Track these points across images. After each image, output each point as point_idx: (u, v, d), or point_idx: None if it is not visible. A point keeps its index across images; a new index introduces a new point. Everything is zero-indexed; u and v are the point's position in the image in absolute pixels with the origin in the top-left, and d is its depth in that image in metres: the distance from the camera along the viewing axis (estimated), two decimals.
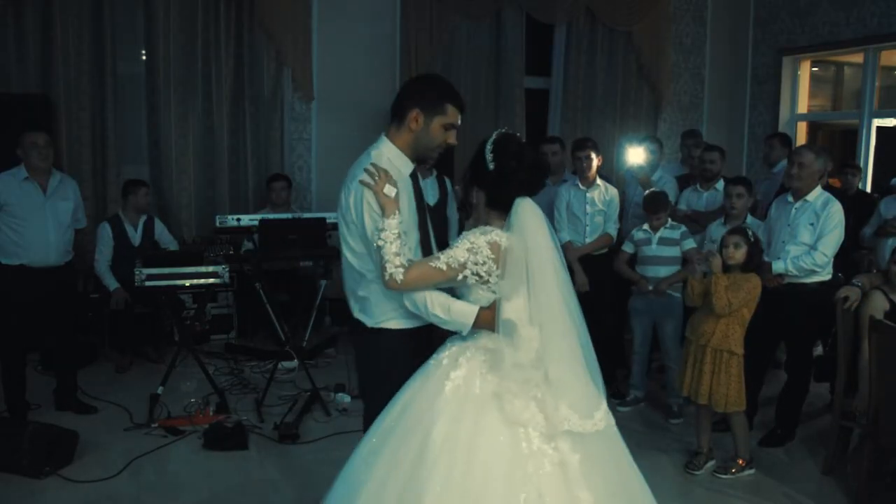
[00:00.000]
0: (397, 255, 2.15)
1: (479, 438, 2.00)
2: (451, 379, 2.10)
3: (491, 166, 2.19)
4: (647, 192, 4.63)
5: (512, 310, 2.12)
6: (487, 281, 2.14)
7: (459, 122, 2.37)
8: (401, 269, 2.14)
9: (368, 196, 2.23)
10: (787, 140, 5.58)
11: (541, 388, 2.06)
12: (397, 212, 2.20)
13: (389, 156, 2.36)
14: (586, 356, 2.17)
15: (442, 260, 2.13)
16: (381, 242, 2.16)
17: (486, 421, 2.02)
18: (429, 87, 2.38)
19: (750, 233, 3.63)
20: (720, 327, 3.53)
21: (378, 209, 2.21)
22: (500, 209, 2.20)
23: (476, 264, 2.12)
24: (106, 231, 5.24)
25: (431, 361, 2.19)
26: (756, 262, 3.61)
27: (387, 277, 2.15)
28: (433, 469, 1.96)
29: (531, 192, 2.20)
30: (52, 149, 4.21)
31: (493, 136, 2.23)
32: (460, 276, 2.14)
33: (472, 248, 2.12)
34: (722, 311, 3.49)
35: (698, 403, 3.67)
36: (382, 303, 2.32)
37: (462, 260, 2.12)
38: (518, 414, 2.02)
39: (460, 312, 2.18)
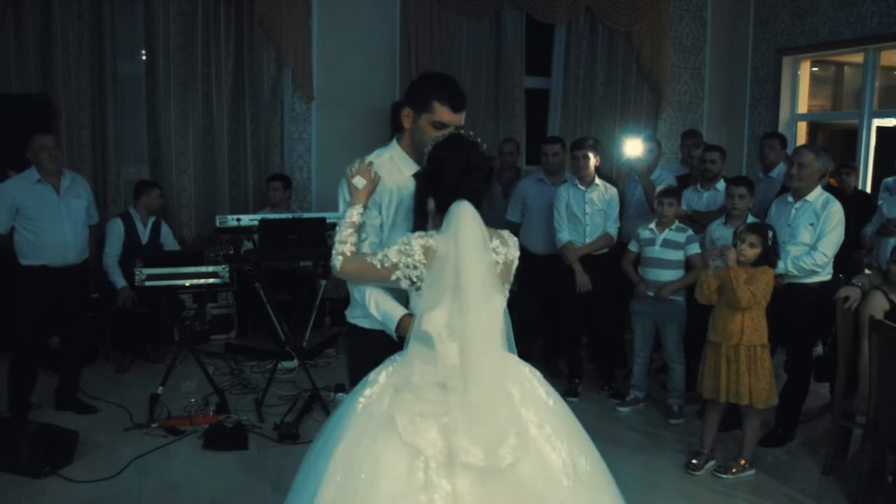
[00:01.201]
0: (343, 242, 2.13)
1: (375, 461, 1.84)
2: (364, 395, 1.99)
3: (427, 166, 2.13)
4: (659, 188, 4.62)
5: (432, 321, 1.94)
6: (420, 287, 2.02)
7: (454, 119, 2.26)
8: (340, 257, 2.12)
9: (344, 186, 2.27)
10: (786, 142, 5.58)
11: (451, 412, 1.86)
12: (361, 203, 2.19)
13: (393, 156, 2.35)
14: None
15: (377, 257, 2.07)
16: (337, 229, 2.17)
17: (384, 443, 1.86)
18: (420, 84, 2.33)
19: (770, 234, 3.61)
20: (748, 323, 3.53)
21: (348, 198, 2.23)
22: (442, 213, 2.04)
23: (407, 267, 2.02)
24: (118, 226, 5.26)
25: (369, 374, 2.07)
26: (770, 263, 3.60)
27: (331, 263, 2.15)
28: (326, 487, 1.86)
29: (470, 196, 2.01)
30: (60, 150, 4.26)
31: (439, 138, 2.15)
32: (393, 277, 2.05)
33: (404, 249, 2.03)
34: (747, 303, 3.49)
35: (714, 405, 3.68)
36: (355, 300, 2.31)
37: (394, 260, 2.03)
38: (413, 438, 1.84)
39: (386, 314, 2.14)
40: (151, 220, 5.45)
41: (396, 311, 2.13)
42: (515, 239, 2.19)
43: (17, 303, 4.13)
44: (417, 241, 2.02)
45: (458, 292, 1.92)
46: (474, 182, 2.04)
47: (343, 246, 2.12)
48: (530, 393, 2.03)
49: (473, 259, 1.93)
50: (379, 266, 2.06)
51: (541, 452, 1.92)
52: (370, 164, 2.26)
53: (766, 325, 3.58)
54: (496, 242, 2.09)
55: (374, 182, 2.23)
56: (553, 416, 2.01)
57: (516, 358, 2.12)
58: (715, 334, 3.64)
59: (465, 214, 1.98)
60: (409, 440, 1.84)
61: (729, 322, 3.57)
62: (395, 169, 2.31)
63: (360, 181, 2.22)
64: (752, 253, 3.55)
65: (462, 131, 2.17)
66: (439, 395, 1.89)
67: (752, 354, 3.55)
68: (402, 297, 2.17)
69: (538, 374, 2.14)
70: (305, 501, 1.91)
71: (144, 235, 5.39)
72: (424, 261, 2.00)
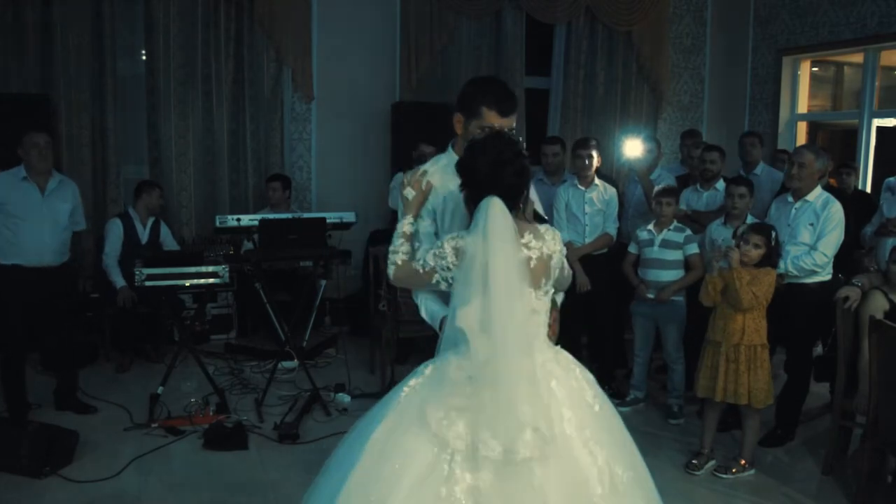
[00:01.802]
0: (395, 252, 2.21)
1: (405, 451, 1.89)
2: (409, 385, 2.04)
3: (461, 162, 2.15)
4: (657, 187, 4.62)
5: (465, 317, 1.95)
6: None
7: (504, 123, 2.26)
8: (392, 266, 2.21)
9: (399, 196, 2.34)
10: (762, 139, 5.62)
11: (478, 406, 1.89)
12: (411, 214, 2.26)
13: (448, 162, 2.35)
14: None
15: (420, 262, 2.14)
16: (392, 239, 2.25)
17: (416, 434, 1.90)
18: (469, 89, 2.34)
19: (774, 235, 3.62)
20: (749, 323, 3.54)
21: (403, 209, 2.30)
22: (473, 209, 2.07)
23: (443, 269, 2.06)
24: (117, 226, 5.26)
25: (419, 366, 2.13)
26: (768, 264, 3.60)
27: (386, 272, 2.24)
28: (355, 473, 1.91)
29: (499, 191, 2.02)
30: (51, 150, 4.22)
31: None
32: (433, 280, 2.11)
33: (438, 252, 2.07)
34: (749, 305, 3.50)
35: (713, 405, 3.68)
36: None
37: (431, 264, 2.09)
38: (443, 431, 1.88)
39: (432, 314, 2.23)
40: (151, 220, 5.45)
41: (439, 311, 2.21)
42: (556, 232, 2.17)
43: None
44: (448, 242, 2.06)
45: (487, 288, 1.92)
46: (506, 177, 2.05)
47: (395, 255, 2.21)
48: (577, 395, 2.04)
49: (501, 255, 1.94)
50: (421, 271, 2.13)
51: (573, 454, 1.92)
52: (423, 173, 2.30)
53: (767, 324, 3.59)
54: (528, 237, 2.07)
55: (423, 192, 2.27)
56: (596, 420, 2.01)
57: (569, 357, 2.14)
58: (715, 333, 3.64)
59: (493, 210, 1.98)
60: (439, 433, 1.88)
61: (730, 322, 3.57)
62: (450, 175, 2.30)
63: (409, 192, 2.27)
64: (756, 254, 3.55)
65: (505, 130, 2.21)
66: (471, 389, 1.92)
67: (753, 354, 3.55)
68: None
69: (590, 377, 2.14)
70: (334, 484, 1.95)
71: (144, 235, 5.39)
72: (455, 262, 2.03)
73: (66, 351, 4.43)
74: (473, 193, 2.07)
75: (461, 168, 2.12)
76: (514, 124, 2.31)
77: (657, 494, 2.10)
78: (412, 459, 1.87)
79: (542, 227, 2.14)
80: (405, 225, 2.23)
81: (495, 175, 2.04)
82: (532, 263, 2.05)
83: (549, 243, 2.11)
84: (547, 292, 2.11)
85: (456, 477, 1.85)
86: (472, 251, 1.97)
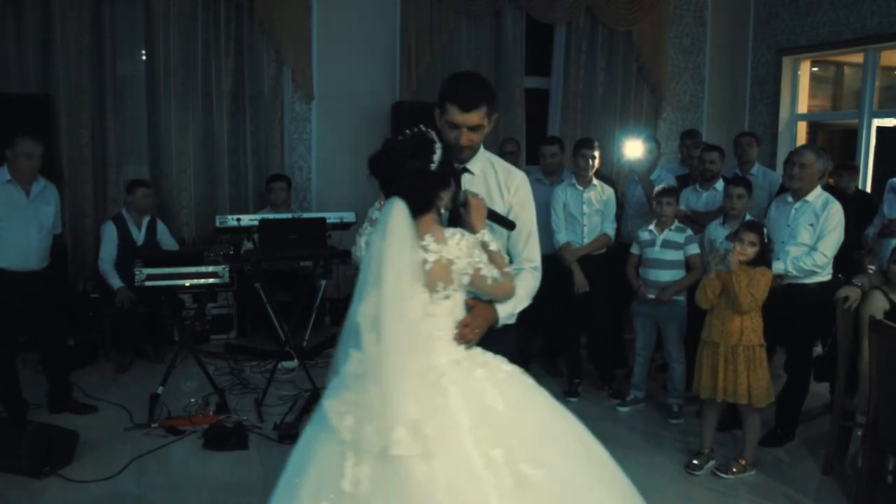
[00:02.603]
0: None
1: (314, 450, 1.95)
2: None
3: None
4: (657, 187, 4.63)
5: (362, 312, 1.97)
6: None
7: (465, 119, 2.23)
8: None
9: None
10: (759, 139, 5.61)
11: (367, 402, 1.90)
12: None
13: None
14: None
15: (355, 247, 2.24)
16: None
17: (326, 431, 1.95)
18: (444, 84, 2.33)
19: (766, 232, 3.64)
20: (746, 323, 3.54)
21: None
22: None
23: (360, 261, 2.13)
24: (111, 230, 5.24)
25: None
26: (763, 262, 3.61)
27: None
28: (281, 480, 2.01)
29: (400, 192, 2.00)
30: (41, 159, 4.15)
31: None
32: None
33: (359, 244, 2.19)
34: (749, 307, 3.51)
35: (712, 405, 3.69)
36: None
37: (358, 254, 2.19)
38: (338, 425, 1.92)
39: None
40: (146, 219, 5.42)
41: None
42: (470, 239, 2.05)
43: None
44: (363, 237, 2.15)
45: (379, 286, 1.94)
46: (403, 179, 2.02)
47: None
48: (476, 396, 1.97)
49: (393, 254, 1.95)
50: (356, 259, 2.20)
51: (464, 453, 1.88)
52: None
53: (763, 324, 3.60)
54: (429, 240, 2.02)
55: None
56: (497, 420, 1.95)
57: (481, 359, 2.07)
58: (713, 334, 3.64)
59: (393, 210, 1.98)
60: (336, 425, 1.93)
61: (728, 323, 3.57)
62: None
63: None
64: (752, 251, 3.57)
65: (425, 130, 2.11)
66: (362, 384, 1.95)
67: (751, 354, 3.56)
68: None
69: (502, 377, 2.05)
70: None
71: (140, 237, 5.36)
72: (364, 255, 2.10)
73: (56, 355, 4.38)
74: (383, 191, 2.08)
75: (368, 166, 2.09)
76: (484, 121, 2.26)
77: (601, 490, 2.01)
78: (317, 457, 1.93)
79: (450, 232, 2.05)
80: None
81: (392, 175, 2.03)
82: (427, 266, 2.00)
83: (452, 248, 2.02)
84: (448, 297, 2.04)
85: (345, 472, 1.87)
86: (371, 248, 2.01)
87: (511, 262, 2.33)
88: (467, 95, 2.24)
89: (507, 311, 2.26)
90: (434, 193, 2.07)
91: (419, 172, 2.02)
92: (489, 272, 2.10)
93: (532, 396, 2.09)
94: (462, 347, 2.08)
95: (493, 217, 2.27)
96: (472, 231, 2.13)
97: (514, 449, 1.91)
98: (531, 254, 2.42)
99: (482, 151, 2.41)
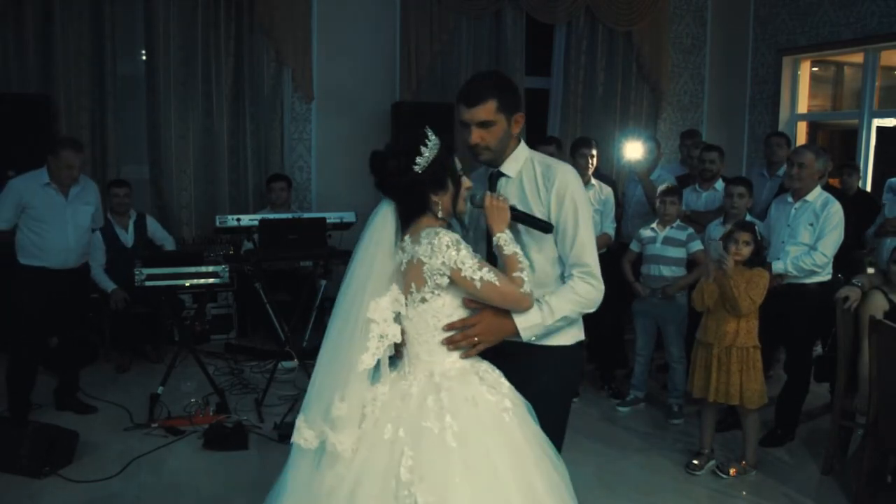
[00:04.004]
0: None
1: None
2: None
3: None
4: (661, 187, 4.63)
5: (336, 305, 2.08)
6: None
7: (470, 116, 2.15)
8: None
9: None
10: (790, 141, 5.54)
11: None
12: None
13: (482, 170, 2.36)
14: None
15: None
16: None
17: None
18: None
19: (758, 231, 3.66)
20: (742, 325, 3.55)
21: None
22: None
23: None
24: (96, 236, 5.21)
25: None
26: (758, 261, 3.62)
27: None
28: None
29: (386, 192, 2.03)
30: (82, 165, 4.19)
31: None
32: None
33: None
34: (748, 311, 3.52)
35: (710, 405, 3.69)
36: None
37: None
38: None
39: None
40: (132, 219, 5.40)
41: None
42: (444, 239, 1.94)
43: (14, 302, 4.12)
44: None
45: (347, 282, 1.99)
46: (387, 178, 2.01)
47: None
48: (411, 422, 1.90)
49: (361, 256, 1.99)
50: None
51: (382, 450, 1.87)
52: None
53: (758, 325, 3.60)
54: (407, 241, 2.00)
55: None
56: (415, 427, 1.88)
57: (465, 379, 1.97)
58: (707, 335, 3.65)
59: (378, 214, 2.04)
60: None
61: (723, 324, 3.58)
62: (478, 185, 2.28)
63: None
64: (747, 251, 3.58)
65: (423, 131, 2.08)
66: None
67: (745, 356, 3.56)
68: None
69: (470, 406, 1.91)
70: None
71: (128, 238, 5.35)
72: None
73: (71, 350, 4.44)
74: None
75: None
76: (495, 117, 2.14)
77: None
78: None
79: (425, 232, 1.97)
80: None
81: (379, 177, 2.02)
82: (402, 267, 1.99)
83: (424, 248, 1.94)
84: (425, 300, 1.97)
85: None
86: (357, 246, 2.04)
87: (564, 269, 2.19)
88: (471, 90, 2.16)
89: (534, 323, 2.07)
90: (423, 195, 2.01)
91: (400, 173, 1.98)
92: (475, 273, 1.94)
93: (497, 438, 1.89)
94: (456, 354, 2.00)
95: (522, 219, 2.13)
96: (493, 234, 2.06)
97: (425, 470, 1.82)
98: (579, 257, 2.18)
99: (521, 150, 2.26)
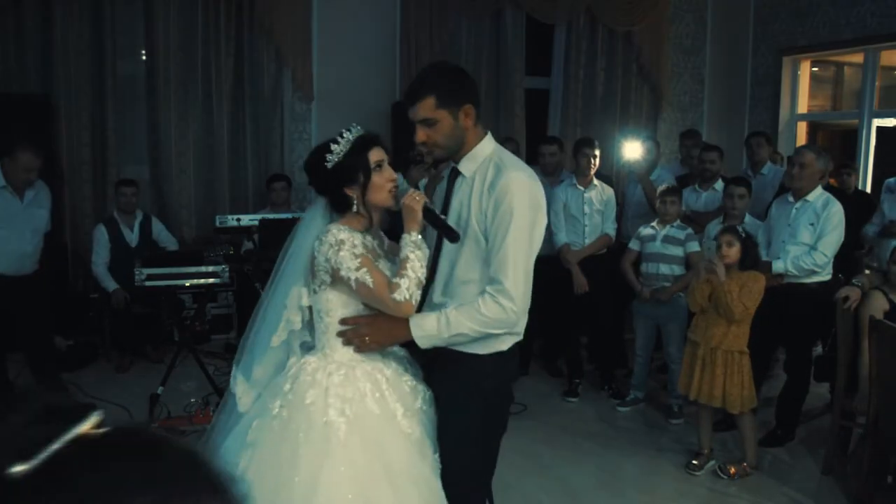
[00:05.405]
0: None
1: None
2: None
3: None
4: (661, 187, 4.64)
5: None
6: None
7: (413, 115, 2.12)
8: None
9: None
10: (771, 139, 5.57)
11: None
12: None
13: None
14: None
15: None
16: None
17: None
18: None
19: (741, 230, 3.66)
20: (732, 329, 3.54)
21: None
22: None
23: None
24: (101, 233, 5.22)
25: None
26: (752, 258, 3.61)
27: None
28: None
29: (319, 191, 2.22)
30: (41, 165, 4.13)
31: None
32: None
33: None
34: (741, 317, 3.50)
35: (705, 405, 3.68)
36: None
37: None
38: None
39: None
40: (139, 219, 5.39)
41: None
42: (338, 235, 2.01)
43: None
44: None
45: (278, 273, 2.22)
46: (317, 175, 2.15)
47: None
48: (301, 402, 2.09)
49: (292, 247, 2.19)
50: None
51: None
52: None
53: (748, 332, 3.58)
54: (321, 235, 2.09)
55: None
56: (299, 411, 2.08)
57: (341, 380, 2.05)
58: (695, 334, 3.66)
59: (309, 211, 2.26)
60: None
61: (712, 325, 3.58)
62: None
63: None
64: (733, 251, 3.56)
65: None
66: None
67: (730, 360, 3.55)
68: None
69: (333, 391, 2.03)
70: None
71: (133, 238, 5.33)
72: None
73: (44, 357, 4.36)
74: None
75: None
76: (435, 114, 2.05)
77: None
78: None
79: (329, 227, 2.06)
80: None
81: (305, 172, 2.21)
82: (312, 260, 2.12)
83: (318, 244, 2.05)
84: (316, 292, 2.10)
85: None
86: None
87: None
88: (410, 88, 2.12)
89: (429, 333, 1.99)
90: (337, 189, 2.10)
91: (311, 168, 2.15)
92: (351, 273, 1.98)
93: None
94: (349, 350, 2.09)
95: (432, 221, 2.06)
96: (407, 233, 2.06)
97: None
98: (497, 272, 1.97)
99: (483, 147, 2.10)
